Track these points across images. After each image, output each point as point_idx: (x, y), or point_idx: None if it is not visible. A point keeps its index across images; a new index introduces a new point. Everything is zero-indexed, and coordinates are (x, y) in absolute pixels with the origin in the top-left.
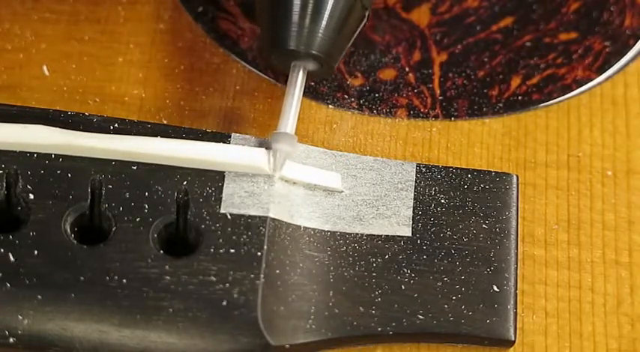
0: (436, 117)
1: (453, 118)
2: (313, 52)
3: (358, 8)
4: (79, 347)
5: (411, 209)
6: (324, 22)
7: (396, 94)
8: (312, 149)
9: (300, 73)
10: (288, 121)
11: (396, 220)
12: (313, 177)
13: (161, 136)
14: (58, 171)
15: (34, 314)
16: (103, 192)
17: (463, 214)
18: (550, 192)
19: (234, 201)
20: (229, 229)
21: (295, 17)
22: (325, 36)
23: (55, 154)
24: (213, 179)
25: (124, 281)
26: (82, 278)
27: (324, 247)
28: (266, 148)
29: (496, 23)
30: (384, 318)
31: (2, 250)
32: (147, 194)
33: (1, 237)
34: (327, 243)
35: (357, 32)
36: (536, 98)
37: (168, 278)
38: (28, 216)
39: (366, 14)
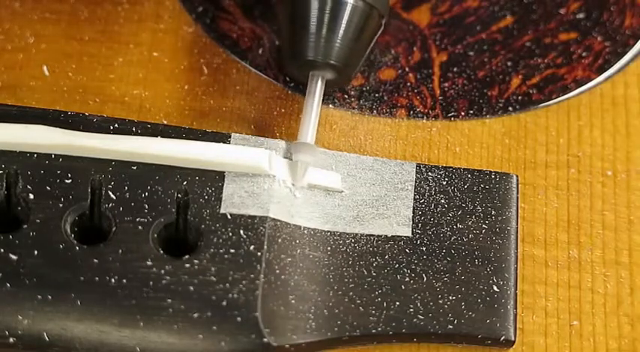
0: (436, 117)
1: (452, 118)
2: (331, 61)
3: (375, 16)
4: (79, 347)
5: (411, 209)
6: (341, 32)
7: (396, 94)
8: None
9: (319, 82)
10: (309, 131)
11: (395, 220)
12: (313, 177)
13: (161, 136)
14: (58, 171)
15: (34, 314)
16: (103, 192)
17: (463, 214)
18: (550, 192)
19: (234, 201)
20: (229, 229)
21: (313, 27)
22: (342, 45)
23: (55, 154)
24: (213, 179)
25: (124, 281)
26: (82, 278)
27: (324, 247)
28: (288, 159)
29: (496, 23)
30: (384, 318)
31: (2, 250)
32: (147, 194)
33: (2, 237)
34: (327, 243)
35: (374, 40)
36: (536, 98)
37: (168, 278)
38: (28, 216)
39: (383, 22)
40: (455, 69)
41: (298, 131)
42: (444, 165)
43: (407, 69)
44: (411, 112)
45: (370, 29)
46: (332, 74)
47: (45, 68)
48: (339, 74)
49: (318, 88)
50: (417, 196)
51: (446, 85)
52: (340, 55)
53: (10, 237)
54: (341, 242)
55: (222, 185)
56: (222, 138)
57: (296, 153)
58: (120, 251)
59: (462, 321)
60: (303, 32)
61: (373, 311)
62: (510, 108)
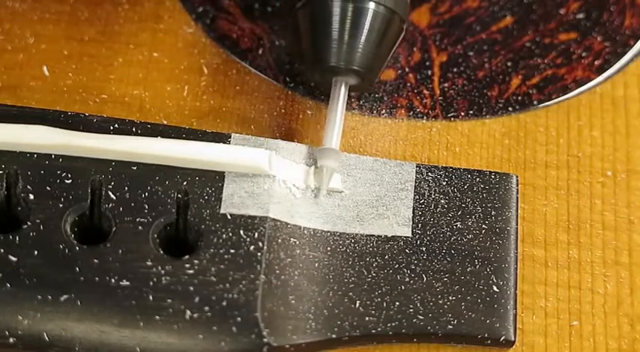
0: (436, 117)
1: (452, 119)
2: (354, 67)
3: (396, 21)
4: (79, 347)
5: (411, 209)
6: (363, 38)
7: (395, 95)
8: (312, 150)
9: (342, 88)
10: (333, 137)
11: (395, 220)
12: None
13: (161, 136)
14: (58, 172)
15: (34, 314)
16: (103, 192)
17: (463, 214)
18: (550, 193)
19: (234, 202)
20: (229, 229)
21: (335, 34)
22: (365, 51)
23: (55, 154)
24: (213, 179)
25: (124, 281)
26: (82, 278)
27: (324, 247)
28: (312, 166)
29: (496, 23)
30: (384, 318)
31: (2, 250)
32: (147, 194)
33: (1, 237)
34: (327, 243)
35: (397, 45)
36: (536, 98)
37: (168, 278)
38: (28, 216)
39: (404, 27)
40: (455, 69)
41: (323, 136)
42: (444, 165)
43: (407, 69)
44: (411, 113)
45: (392, 34)
46: (355, 79)
47: (45, 68)
48: (362, 79)
49: (342, 94)
50: (417, 196)
51: (446, 85)
52: (363, 60)
53: (10, 237)
54: (341, 242)
55: (222, 185)
56: (222, 138)
57: (321, 158)
58: (120, 251)
59: (461, 321)
60: (326, 38)
61: (373, 312)
62: (510, 109)
